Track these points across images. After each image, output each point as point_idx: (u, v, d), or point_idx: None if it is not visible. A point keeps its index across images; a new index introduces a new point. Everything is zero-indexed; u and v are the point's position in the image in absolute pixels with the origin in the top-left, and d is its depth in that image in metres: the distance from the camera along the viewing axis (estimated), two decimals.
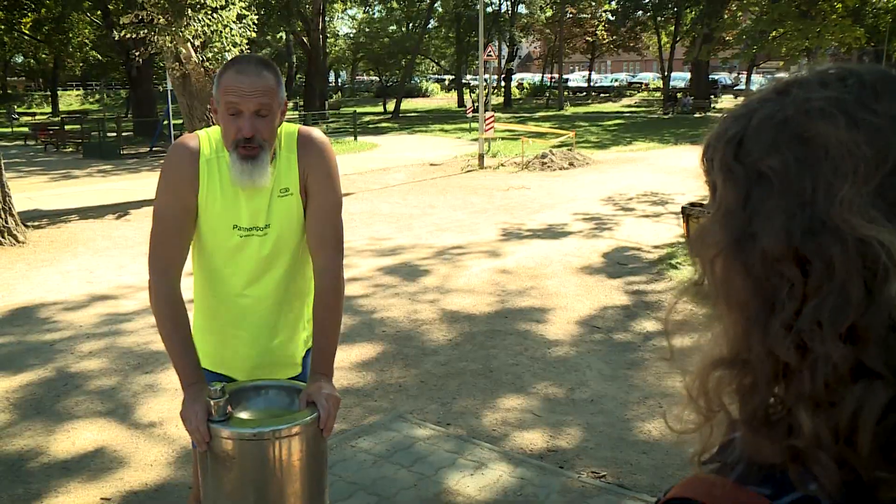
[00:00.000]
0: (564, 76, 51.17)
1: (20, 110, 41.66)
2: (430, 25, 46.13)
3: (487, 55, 20.77)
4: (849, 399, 0.59)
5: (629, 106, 46.07)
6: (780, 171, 0.63)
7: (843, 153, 0.61)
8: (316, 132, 2.27)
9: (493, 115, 20.43)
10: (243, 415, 2.09)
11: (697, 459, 0.71)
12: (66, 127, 26.77)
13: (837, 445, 0.60)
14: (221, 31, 12.15)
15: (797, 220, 0.62)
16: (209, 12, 11.96)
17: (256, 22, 13.17)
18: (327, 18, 42.58)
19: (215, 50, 12.18)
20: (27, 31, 37.21)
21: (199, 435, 1.94)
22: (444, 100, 55.82)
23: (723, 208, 0.67)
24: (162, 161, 2.23)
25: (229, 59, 2.29)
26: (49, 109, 44.64)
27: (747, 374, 0.65)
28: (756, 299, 0.64)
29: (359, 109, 38.74)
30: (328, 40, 44.55)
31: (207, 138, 2.19)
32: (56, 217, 11.64)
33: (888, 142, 0.61)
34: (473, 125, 25.30)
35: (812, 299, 0.61)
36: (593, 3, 48.83)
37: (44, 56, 42.31)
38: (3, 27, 35.12)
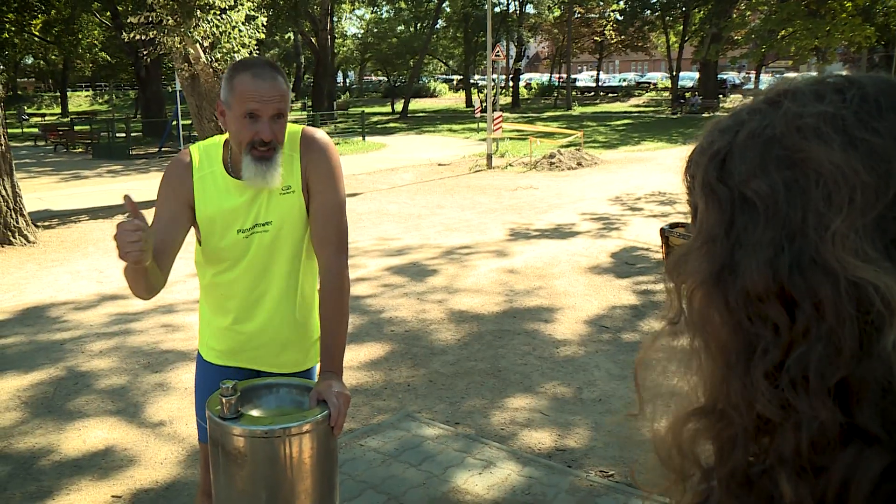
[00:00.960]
0: (572, 76, 51.09)
1: (30, 111, 41.86)
2: (438, 25, 46.12)
3: (496, 55, 20.76)
4: (838, 466, 0.52)
5: (637, 106, 45.98)
6: (767, 197, 0.55)
7: (837, 179, 0.53)
8: (318, 132, 2.31)
9: (501, 115, 20.43)
10: (255, 413, 2.11)
11: None
12: (76, 128, 26.90)
13: None
14: (230, 32, 12.20)
15: (785, 253, 0.54)
16: (218, 13, 12.00)
17: (265, 24, 13.21)
18: (335, 19, 42.69)
19: (224, 51, 12.23)
20: (37, 33, 37.36)
21: (128, 226, 1.82)
22: (452, 100, 55.82)
23: (704, 234, 0.60)
24: (170, 162, 2.26)
25: (236, 60, 2.32)
26: (59, 110, 44.88)
27: (726, 427, 0.58)
28: (736, 342, 0.57)
29: (367, 109, 38.81)
30: (336, 41, 44.65)
31: (199, 153, 2.24)
32: (66, 217, 11.70)
33: (890, 167, 0.53)
34: (482, 125, 25.31)
35: (798, 346, 0.53)
36: (601, 3, 48.73)
37: (53, 57, 42.47)
38: (13, 29, 35.26)
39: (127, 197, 1.90)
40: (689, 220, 0.64)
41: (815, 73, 0.62)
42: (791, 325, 0.53)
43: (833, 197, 0.53)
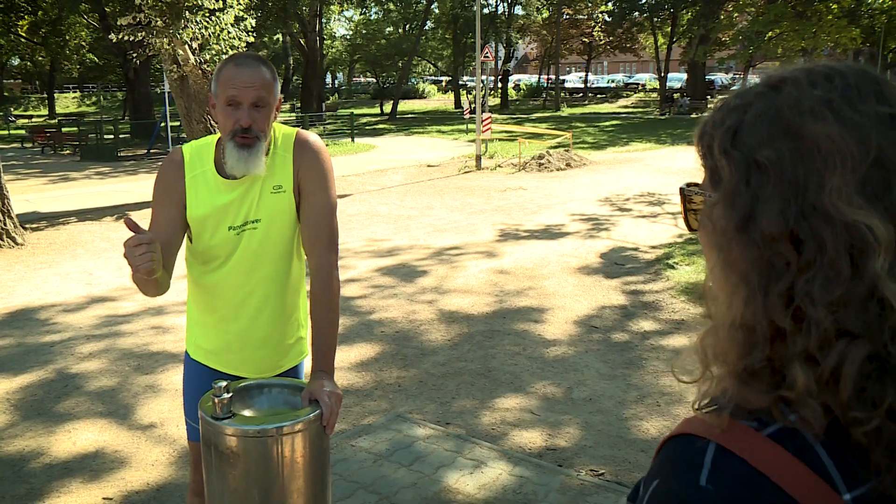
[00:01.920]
0: (561, 77, 51.21)
1: (17, 113, 41.61)
2: (426, 27, 46.13)
3: (484, 56, 20.80)
4: (833, 354, 0.68)
5: (626, 107, 46.13)
6: (775, 162, 0.71)
7: (832, 148, 0.69)
8: (312, 136, 2.33)
9: (490, 117, 20.46)
10: (247, 413, 2.12)
11: (697, 403, 0.80)
12: (64, 129, 26.76)
13: (821, 393, 0.69)
14: (219, 34, 12.17)
15: (792, 205, 0.70)
16: (206, 14, 11.98)
17: (254, 26, 13.20)
18: (324, 20, 42.58)
19: (213, 52, 12.21)
20: (24, 34, 37.19)
21: (132, 248, 1.85)
22: (440, 101, 55.83)
23: (729, 189, 0.75)
24: (160, 163, 2.29)
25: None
26: (46, 112, 44.62)
27: (747, 335, 0.73)
28: (756, 272, 0.72)
29: (356, 111, 38.79)
30: (325, 42, 44.58)
31: (190, 153, 2.27)
32: (54, 219, 11.65)
33: (870, 138, 0.70)
34: (471, 126, 25.34)
35: (805, 273, 0.69)
36: (590, 4, 48.87)
37: (40, 58, 42.28)
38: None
39: (127, 219, 1.92)
40: (701, 181, 0.83)
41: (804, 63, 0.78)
42: (798, 259, 0.70)
43: (829, 161, 0.69)
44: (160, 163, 2.25)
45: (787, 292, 0.70)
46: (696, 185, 0.86)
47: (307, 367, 2.37)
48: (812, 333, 0.69)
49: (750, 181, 0.73)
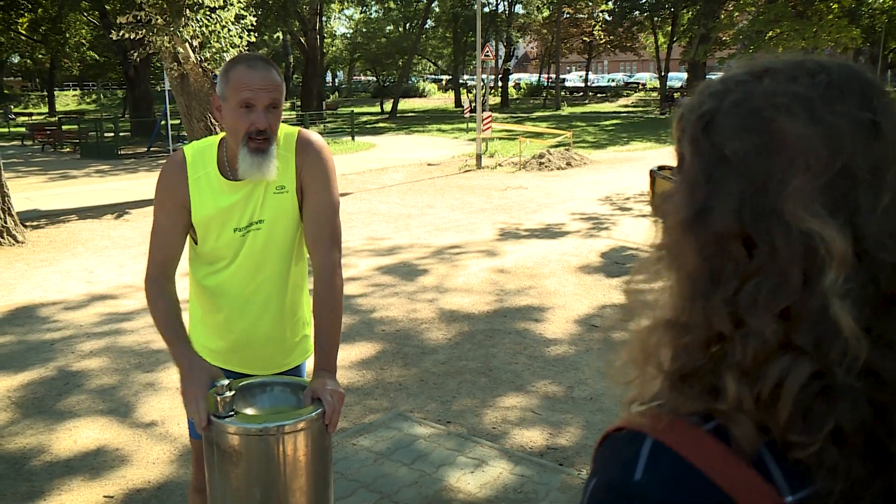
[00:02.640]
0: (561, 76, 51.22)
1: (17, 110, 41.61)
2: (427, 25, 46.12)
3: (485, 55, 20.79)
4: (774, 370, 0.65)
5: (626, 106, 46.14)
6: (741, 156, 0.68)
7: (799, 148, 0.66)
8: (314, 135, 2.33)
9: (490, 115, 20.46)
10: (249, 411, 2.11)
11: (628, 404, 0.78)
12: (64, 127, 26.75)
13: (758, 411, 0.66)
14: (219, 32, 12.17)
15: (750, 204, 0.66)
16: (207, 12, 11.97)
17: (255, 24, 13.19)
18: (324, 19, 42.60)
19: (213, 50, 12.20)
20: (24, 31, 37.14)
21: (198, 416, 1.96)
22: (441, 100, 55.84)
23: (689, 179, 0.71)
24: (160, 161, 2.28)
25: (228, 58, 2.35)
26: (46, 110, 44.61)
27: (685, 336, 0.70)
28: (703, 270, 0.69)
29: (356, 109, 38.76)
30: (325, 40, 44.58)
31: (193, 154, 2.26)
32: (55, 217, 11.65)
33: (842, 143, 0.65)
34: (471, 125, 25.34)
35: (753, 278, 0.66)
36: (590, 3, 48.85)
37: (40, 56, 42.24)
38: None
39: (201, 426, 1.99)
40: (676, 166, 0.77)
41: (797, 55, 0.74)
42: (749, 262, 0.66)
43: (794, 162, 0.65)
44: (161, 161, 2.23)
45: (732, 296, 0.67)
46: (668, 168, 0.81)
47: (311, 365, 2.38)
48: (750, 344, 0.65)
49: (712, 174, 0.69)
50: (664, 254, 0.75)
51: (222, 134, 2.27)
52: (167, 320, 2.20)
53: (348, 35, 53.97)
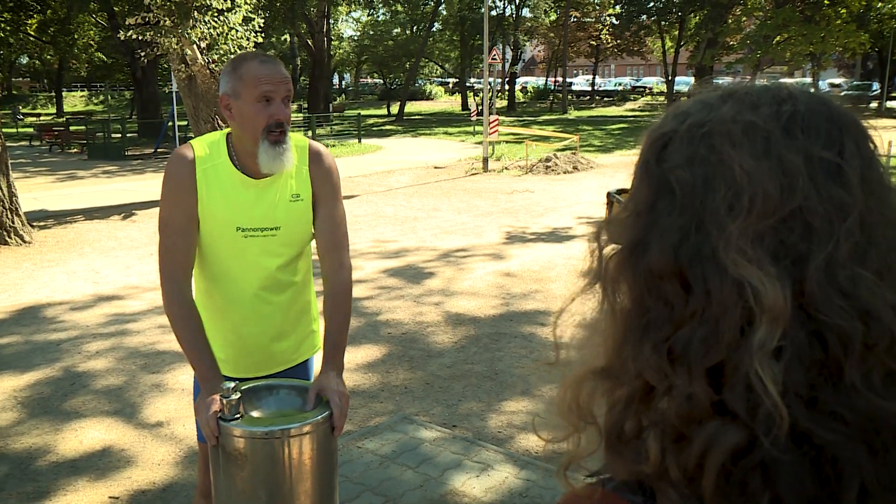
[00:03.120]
0: (568, 80, 51.16)
1: (25, 111, 41.78)
2: (434, 28, 46.16)
3: (492, 58, 20.80)
4: (701, 436, 0.57)
5: (633, 110, 46.06)
6: (686, 187, 0.61)
7: (744, 184, 0.58)
8: (323, 148, 2.39)
9: (497, 119, 20.46)
10: (255, 414, 2.11)
11: (563, 471, 0.69)
12: (71, 128, 26.84)
13: (686, 481, 0.58)
14: (227, 34, 12.20)
15: (689, 242, 0.59)
16: (215, 14, 12.00)
17: (262, 26, 13.22)
18: (331, 21, 42.68)
19: (221, 52, 12.23)
20: (33, 33, 37.30)
21: (208, 429, 1.97)
22: (447, 103, 55.85)
23: (631, 208, 0.65)
24: (167, 162, 2.27)
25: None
26: (54, 110, 44.77)
27: (617, 387, 0.63)
28: (636, 311, 0.62)
29: (363, 112, 38.80)
30: (332, 43, 44.68)
31: (202, 146, 2.26)
32: (62, 217, 11.68)
33: (795, 183, 0.58)
34: (478, 128, 25.34)
35: (687, 326, 0.58)
36: (597, 7, 48.87)
37: (49, 57, 42.40)
38: (8, 28, 35.21)
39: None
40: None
41: (807, 79, 0.66)
42: (684, 306, 0.58)
43: (736, 200, 0.58)
44: (167, 162, 2.23)
45: (663, 344, 0.59)
46: (626, 192, 0.70)
47: (318, 362, 2.38)
48: (677, 402, 0.58)
49: (656, 204, 0.62)
50: (600, 290, 0.67)
51: (227, 130, 2.27)
52: (194, 334, 2.18)
53: (355, 37, 54.08)
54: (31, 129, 29.06)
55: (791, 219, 0.57)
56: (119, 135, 23.61)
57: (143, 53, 12.92)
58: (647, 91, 58.83)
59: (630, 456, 0.62)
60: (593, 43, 51.97)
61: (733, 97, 0.63)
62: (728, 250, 0.57)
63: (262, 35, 13.71)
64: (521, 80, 61.62)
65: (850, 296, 0.56)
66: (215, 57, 12.26)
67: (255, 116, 2.12)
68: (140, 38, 11.99)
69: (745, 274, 0.56)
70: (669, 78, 42.16)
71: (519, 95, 54.10)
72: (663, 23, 43.91)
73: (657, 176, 0.63)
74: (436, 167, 18.53)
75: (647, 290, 0.61)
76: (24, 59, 49.12)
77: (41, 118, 37.97)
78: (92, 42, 38.90)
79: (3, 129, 10.31)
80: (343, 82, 70.17)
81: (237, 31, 12.37)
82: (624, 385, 0.62)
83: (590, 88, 56.81)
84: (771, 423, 0.55)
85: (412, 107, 47.38)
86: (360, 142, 25.31)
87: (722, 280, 0.57)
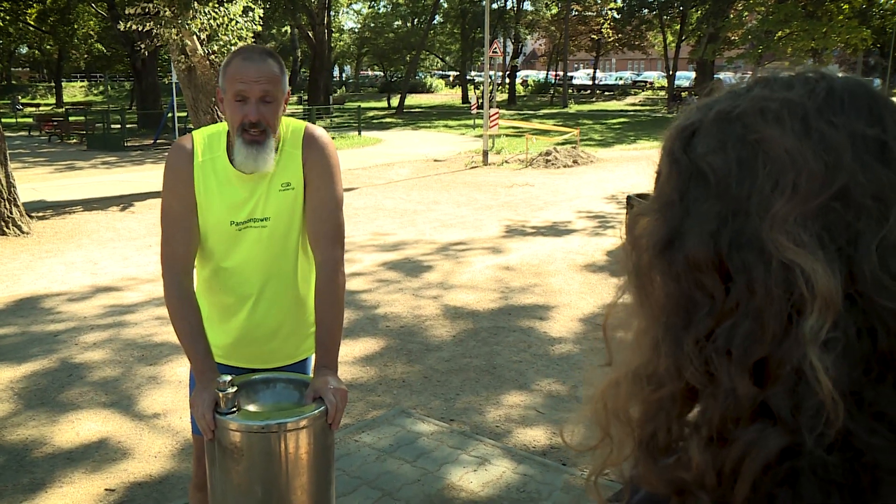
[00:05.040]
0: (569, 74, 51.09)
1: (24, 101, 41.66)
2: (435, 21, 46.04)
3: (493, 52, 20.74)
4: (741, 440, 0.53)
5: (633, 104, 46.01)
6: (721, 172, 0.57)
7: (785, 163, 0.55)
8: (320, 130, 2.32)
9: (497, 112, 20.41)
10: (251, 408, 2.10)
11: (594, 479, 0.65)
12: (71, 118, 26.79)
13: (721, 488, 0.55)
14: (227, 24, 12.15)
15: (728, 228, 0.56)
16: (215, 5, 11.96)
17: (262, 17, 13.18)
18: (332, 13, 42.57)
19: (221, 43, 12.19)
20: (32, 22, 37.20)
21: (204, 422, 1.95)
22: (448, 96, 55.78)
23: (662, 199, 0.62)
24: (166, 154, 2.24)
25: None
26: (53, 100, 44.67)
27: (655, 390, 0.59)
28: (673, 306, 0.58)
29: (363, 104, 38.74)
30: (333, 35, 44.58)
31: (202, 139, 2.24)
32: (60, 208, 11.65)
33: (840, 161, 0.54)
34: (478, 121, 25.31)
35: (728, 319, 0.55)
36: (599, 1, 48.76)
37: (48, 47, 42.30)
38: (8, 18, 35.12)
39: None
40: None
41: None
42: (725, 299, 0.55)
43: (780, 180, 0.54)
44: (167, 153, 2.20)
45: (705, 341, 0.55)
46: (646, 196, 0.68)
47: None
48: (720, 403, 0.54)
49: (688, 193, 0.59)
50: (634, 288, 0.63)
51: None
52: (191, 327, 2.16)
53: (356, 30, 53.97)
54: (30, 120, 28.96)
55: (838, 199, 0.53)
56: (118, 125, 23.53)
57: (142, 44, 12.89)
58: (648, 85, 58.80)
59: (668, 464, 0.58)
60: (594, 37, 51.90)
61: (760, 83, 0.61)
62: (773, 234, 0.53)
63: (263, 26, 13.66)
64: (521, 74, 61.53)
65: None
66: (215, 48, 12.22)
67: (232, 115, 2.12)
68: (140, 28, 11.94)
69: (795, 258, 0.52)
70: (670, 72, 42.13)
71: (519, 89, 54.03)
72: (665, 17, 43.82)
73: (685, 165, 0.60)
74: (435, 160, 18.50)
75: (685, 284, 0.57)
76: (24, 49, 48.97)
77: (40, 108, 37.86)
78: (92, 32, 38.80)
79: (3, 120, 10.28)
80: (343, 74, 70.08)
81: (237, 22, 12.32)
82: (662, 387, 0.58)
83: (590, 82, 56.76)
84: (818, 422, 0.51)
85: (412, 99, 47.30)
86: (360, 134, 25.26)
87: (766, 267, 0.53)
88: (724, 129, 0.59)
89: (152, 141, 22.50)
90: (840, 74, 0.60)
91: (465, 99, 45.56)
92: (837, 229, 0.53)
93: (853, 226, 0.53)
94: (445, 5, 45.92)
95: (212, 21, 11.93)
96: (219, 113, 12.00)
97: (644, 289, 0.61)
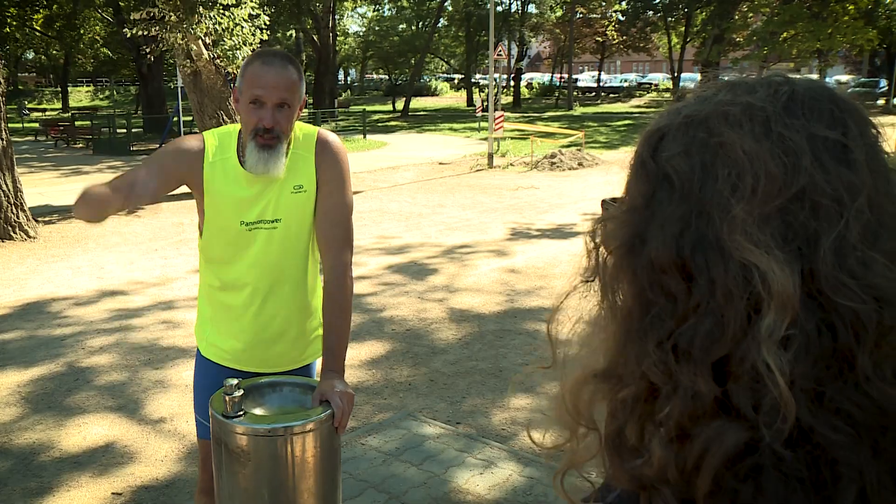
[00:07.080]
0: (574, 76, 51.07)
1: (31, 106, 41.78)
2: (439, 24, 46.08)
3: (497, 54, 20.75)
4: (701, 436, 0.54)
5: (638, 107, 45.92)
6: (685, 176, 0.59)
7: (745, 166, 0.56)
8: (332, 136, 2.33)
9: (502, 115, 20.41)
10: (258, 411, 2.10)
11: (560, 476, 0.67)
12: (77, 123, 26.85)
13: (683, 483, 0.56)
14: (233, 29, 12.19)
15: (690, 230, 0.57)
16: (220, 9, 11.99)
17: (268, 23, 13.21)
18: (337, 16, 42.61)
19: (226, 47, 12.22)
20: (39, 28, 37.35)
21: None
22: (453, 99, 55.77)
23: (627, 203, 0.64)
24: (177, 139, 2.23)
25: (241, 55, 2.32)
26: (59, 105, 44.79)
27: (620, 389, 0.60)
28: (638, 308, 0.60)
29: (368, 108, 38.78)
30: (338, 38, 44.60)
31: (214, 140, 2.24)
32: (66, 212, 11.66)
33: (799, 163, 0.56)
34: (483, 124, 25.30)
35: (689, 320, 0.56)
36: (603, 3, 48.69)
37: (55, 52, 42.46)
38: (15, 23, 35.27)
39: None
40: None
41: (814, 76, 0.64)
42: (687, 299, 0.56)
43: (739, 183, 0.56)
44: (181, 138, 2.18)
45: (667, 340, 0.56)
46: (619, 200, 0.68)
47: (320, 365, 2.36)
48: (681, 400, 0.55)
49: (654, 196, 0.60)
50: (599, 289, 0.65)
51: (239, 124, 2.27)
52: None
53: (361, 33, 54.04)
54: (36, 125, 29.05)
55: (797, 200, 0.55)
56: (124, 130, 23.60)
57: (148, 49, 12.92)
58: (653, 87, 58.67)
59: (632, 460, 0.59)
60: (599, 39, 51.81)
61: (727, 87, 0.62)
62: (732, 235, 0.55)
63: (268, 31, 13.69)
64: (526, 77, 61.51)
65: (863, 279, 0.53)
66: (220, 52, 12.25)
67: (247, 117, 2.13)
68: (145, 33, 11.99)
69: (752, 258, 0.54)
70: (675, 74, 42.03)
71: (524, 91, 53.99)
72: (669, 19, 43.73)
73: (653, 170, 0.62)
74: (441, 163, 18.50)
75: (649, 286, 0.58)
76: (31, 55, 49.13)
77: (46, 113, 37.97)
78: (97, 37, 38.94)
79: (9, 125, 10.31)
80: (348, 78, 70.12)
81: (243, 26, 12.36)
82: (627, 387, 0.60)
83: (595, 85, 56.67)
84: (775, 417, 0.52)
85: (417, 103, 47.32)
86: (365, 138, 25.27)
87: (726, 267, 0.55)
88: (689, 133, 0.60)
89: (158, 145, 22.53)
90: (807, 77, 0.62)
91: (469, 102, 45.52)
92: (796, 229, 0.55)
93: (811, 226, 0.54)
94: (450, 8, 45.92)
95: (217, 26, 11.97)
96: (224, 117, 12.05)
97: (610, 292, 0.63)
